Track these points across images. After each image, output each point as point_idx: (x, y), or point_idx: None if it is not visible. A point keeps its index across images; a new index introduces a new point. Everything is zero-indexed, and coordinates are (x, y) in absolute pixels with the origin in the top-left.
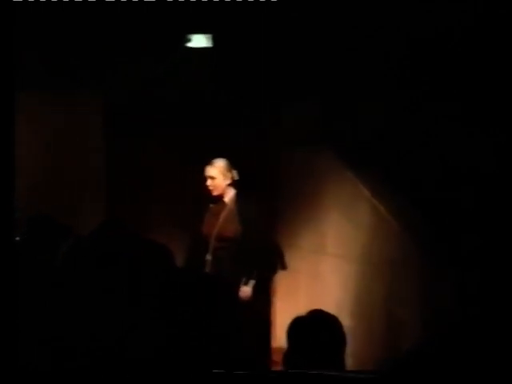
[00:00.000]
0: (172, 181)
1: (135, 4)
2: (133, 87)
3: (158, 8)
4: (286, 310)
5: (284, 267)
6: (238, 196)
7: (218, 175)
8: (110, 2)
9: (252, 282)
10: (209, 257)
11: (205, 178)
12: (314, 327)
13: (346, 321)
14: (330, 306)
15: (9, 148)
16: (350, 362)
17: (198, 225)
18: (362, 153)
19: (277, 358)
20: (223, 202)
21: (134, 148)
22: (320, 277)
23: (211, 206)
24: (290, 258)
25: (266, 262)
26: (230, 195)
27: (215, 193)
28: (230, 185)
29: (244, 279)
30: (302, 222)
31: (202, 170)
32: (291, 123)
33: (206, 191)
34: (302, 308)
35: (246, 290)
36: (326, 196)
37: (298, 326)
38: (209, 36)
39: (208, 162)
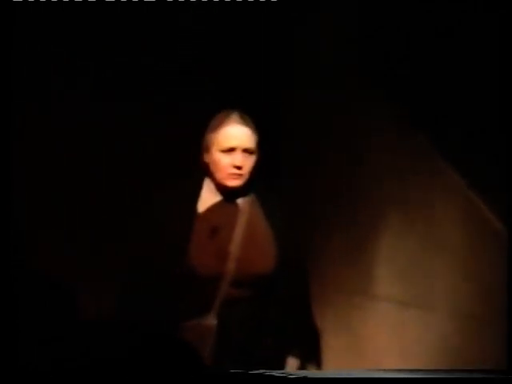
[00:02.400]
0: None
1: None
2: None
3: None
4: None
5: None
6: (258, 191)
7: (256, 147)
8: None
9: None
10: (213, 321)
11: (210, 159)
12: None
13: None
14: None
15: (8, 150)
16: None
17: (179, 254)
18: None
19: None
20: (235, 206)
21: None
22: (364, 334)
23: (208, 211)
24: (318, 305)
25: (313, 327)
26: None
27: (241, 182)
28: None
29: (296, 361)
30: (332, 240)
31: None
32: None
33: (223, 181)
34: None
35: None
36: (380, 189)
37: None
38: None
39: (227, 116)
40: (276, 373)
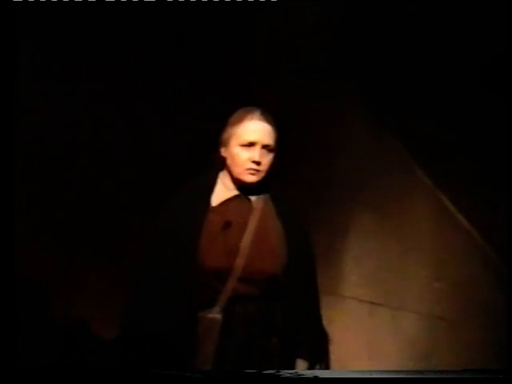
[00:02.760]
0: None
1: None
2: None
3: None
4: None
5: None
6: (273, 189)
7: (275, 145)
8: None
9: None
10: (218, 315)
11: (228, 155)
12: None
13: None
14: None
15: (8, 150)
16: None
17: (189, 249)
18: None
19: None
20: (249, 202)
21: None
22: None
23: (222, 205)
24: None
25: (320, 328)
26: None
27: (258, 178)
28: None
29: (304, 362)
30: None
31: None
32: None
33: (239, 176)
34: None
35: None
36: (352, 189)
37: None
38: None
39: (248, 111)
40: (285, 372)
